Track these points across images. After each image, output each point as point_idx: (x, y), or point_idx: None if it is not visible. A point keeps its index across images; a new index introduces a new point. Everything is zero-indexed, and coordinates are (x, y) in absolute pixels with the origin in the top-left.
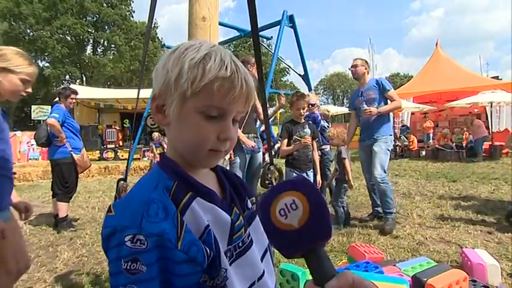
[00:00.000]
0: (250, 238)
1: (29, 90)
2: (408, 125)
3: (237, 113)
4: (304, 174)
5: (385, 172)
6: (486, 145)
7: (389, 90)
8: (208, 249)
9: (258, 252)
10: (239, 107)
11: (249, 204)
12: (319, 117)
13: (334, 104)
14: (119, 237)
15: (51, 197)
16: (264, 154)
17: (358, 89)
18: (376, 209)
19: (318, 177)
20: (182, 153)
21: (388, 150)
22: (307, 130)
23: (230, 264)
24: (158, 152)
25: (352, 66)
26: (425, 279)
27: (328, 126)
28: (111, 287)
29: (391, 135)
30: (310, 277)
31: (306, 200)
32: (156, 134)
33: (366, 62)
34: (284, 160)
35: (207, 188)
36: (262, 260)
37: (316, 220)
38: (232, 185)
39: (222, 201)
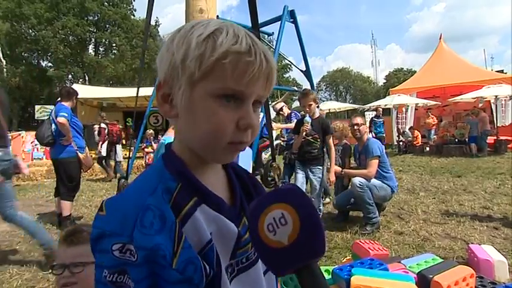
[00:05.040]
0: (256, 255)
1: None
2: (412, 120)
3: (257, 96)
4: (308, 170)
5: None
6: (491, 140)
7: None
8: (208, 267)
9: (262, 267)
10: (259, 89)
11: None
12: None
13: (337, 100)
14: (107, 243)
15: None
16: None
17: None
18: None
19: (330, 176)
20: (194, 148)
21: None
22: (308, 119)
23: (230, 281)
24: (147, 151)
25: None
26: (431, 276)
27: None
28: None
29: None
30: None
31: (296, 214)
32: (148, 132)
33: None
34: (283, 157)
35: (215, 195)
36: (264, 275)
37: (307, 236)
38: (243, 187)
39: (230, 210)
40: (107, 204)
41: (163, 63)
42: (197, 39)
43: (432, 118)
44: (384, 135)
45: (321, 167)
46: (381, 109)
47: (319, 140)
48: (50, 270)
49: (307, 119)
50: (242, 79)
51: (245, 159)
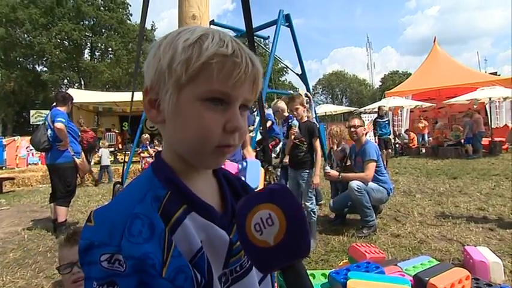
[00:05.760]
0: (250, 262)
1: None
2: (407, 123)
3: (244, 100)
4: (298, 174)
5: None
6: (486, 141)
7: None
8: (199, 276)
9: (257, 275)
10: (245, 92)
11: None
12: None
13: (333, 103)
14: (95, 254)
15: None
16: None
17: None
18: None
19: (314, 179)
20: (182, 154)
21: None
22: (295, 122)
23: None
24: (143, 155)
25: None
26: (427, 278)
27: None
28: None
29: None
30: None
31: (282, 215)
32: (144, 136)
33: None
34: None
35: (205, 203)
36: (260, 283)
37: (293, 238)
38: (235, 194)
39: (221, 217)
40: (95, 215)
41: (150, 68)
42: (183, 44)
43: (422, 122)
44: (390, 136)
45: (308, 171)
46: (384, 108)
47: (305, 143)
48: (58, 272)
49: (295, 122)
50: (228, 81)
51: (253, 171)
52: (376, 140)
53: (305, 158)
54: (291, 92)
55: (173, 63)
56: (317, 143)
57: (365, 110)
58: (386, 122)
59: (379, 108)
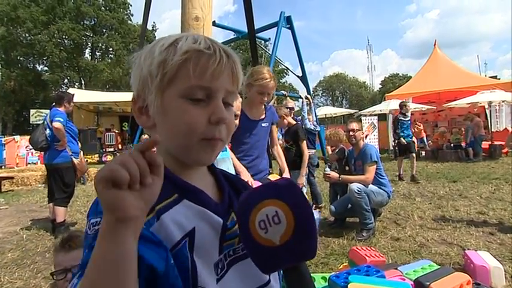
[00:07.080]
0: (244, 252)
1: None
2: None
3: (226, 92)
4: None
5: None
6: (486, 145)
7: None
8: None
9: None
10: (225, 84)
11: None
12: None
13: (333, 105)
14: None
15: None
16: None
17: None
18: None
19: (300, 180)
20: (173, 152)
21: None
22: (279, 136)
23: (221, 278)
24: None
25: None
26: (428, 283)
27: (315, 129)
28: None
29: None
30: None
31: (291, 214)
32: (143, 137)
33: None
34: None
35: (196, 188)
36: None
37: (300, 239)
38: (234, 190)
39: (217, 205)
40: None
41: (135, 78)
42: (160, 49)
43: (417, 127)
44: (414, 139)
45: (297, 172)
46: (408, 105)
47: (294, 146)
48: (52, 277)
49: (279, 136)
50: (205, 74)
51: None
52: (399, 141)
53: (295, 160)
54: (283, 92)
55: (152, 67)
56: (303, 145)
57: (363, 113)
58: (410, 122)
59: (402, 105)
